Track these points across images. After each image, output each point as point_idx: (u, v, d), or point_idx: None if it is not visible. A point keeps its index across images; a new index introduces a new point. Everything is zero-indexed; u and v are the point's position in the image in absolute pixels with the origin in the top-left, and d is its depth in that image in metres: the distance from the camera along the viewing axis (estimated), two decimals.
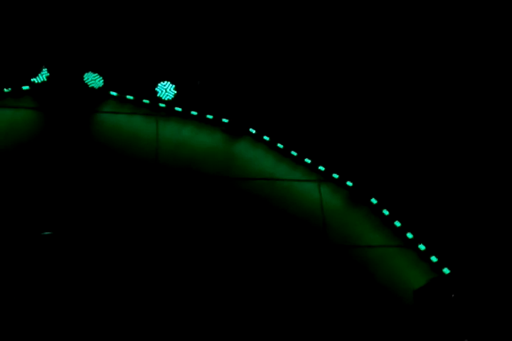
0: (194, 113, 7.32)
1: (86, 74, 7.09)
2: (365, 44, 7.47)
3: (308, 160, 7.45)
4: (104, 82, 7.13)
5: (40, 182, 6.69)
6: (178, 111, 7.30)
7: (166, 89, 7.23)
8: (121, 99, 7.23)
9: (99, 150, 7.00)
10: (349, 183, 7.47)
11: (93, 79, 7.09)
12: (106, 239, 6.62)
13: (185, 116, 7.33)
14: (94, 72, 7.11)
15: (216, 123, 7.38)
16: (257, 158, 7.42)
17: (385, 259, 7.34)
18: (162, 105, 7.27)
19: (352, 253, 7.29)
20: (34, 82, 6.99)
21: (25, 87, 6.99)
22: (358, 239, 7.38)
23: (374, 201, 7.45)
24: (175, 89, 7.26)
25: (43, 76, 6.98)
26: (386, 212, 7.43)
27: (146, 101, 7.26)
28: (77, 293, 6.32)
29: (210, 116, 7.34)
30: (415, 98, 7.67)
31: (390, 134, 7.68)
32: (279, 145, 7.43)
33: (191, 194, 7.07)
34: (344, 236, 7.35)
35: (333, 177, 7.47)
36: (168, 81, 7.25)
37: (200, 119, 7.35)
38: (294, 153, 7.44)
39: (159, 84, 7.24)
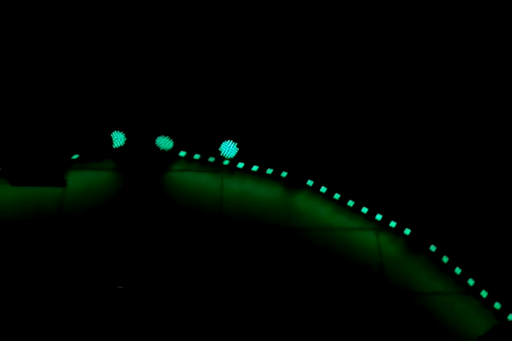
0: (255, 168, 7.92)
1: (158, 138, 7.95)
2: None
3: (365, 210, 7.74)
4: (173, 144, 7.96)
5: (116, 239, 7.49)
6: (240, 167, 7.94)
7: (229, 148, 7.92)
8: (188, 159, 8.01)
9: (169, 206, 7.75)
10: (407, 231, 7.63)
11: (164, 142, 7.94)
12: (177, 293, 7.24)
13: (246, 171, 7.95)
14: (165, 135, 7.96)
15: (275, 177, 7.93)
16: (316, 208, 7.83)
17: (446, 306, 7.33)
18: (226, 162, 7.96)
19: (413, 300, 7.37)
20: (114, 147, 7.93)
21: (107, 151, 7.95)
22: (418, 286, 7.45)
23: (433, 248, 7.53)
24: (237, 147, 7.93)
25: (121, 141, 7.93)
26: (445, 259, 7.47)
27: (211, 159, 7.98)
28: None
29: (269, 171, 7.91)
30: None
31: (445, 183, 7.81)
32: (336, 196, 7.80)
33: (253, 244, 7.57)
34: (404, 283, 7.47)
35: (391, 226, 7.67)
36: (230, 140, 7.94)
37: (261, 174, 7.94)
38: (350, 203, 7.77)
39: (223, 144, 7.94)
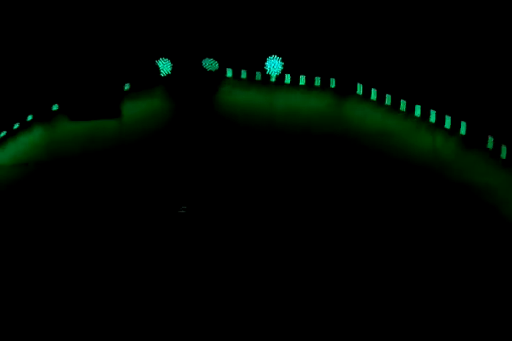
0: (302, 80, 7.91)
1: (204, 60, 8.05)
2: None
3: (418, 111, 7.60)
4: (219, 65, 8.04)
5: (175, 163, 7.75)
6: (287, 82, 7.95)
7: (275, 64, 7.92)
8: (236, 78, 8.09)
9: (221, 124, 7.91)
10: (463, 128, 7.46)
11: (210, 64, 8.04)
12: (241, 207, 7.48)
13: (294, 84, 7.96)
14: (210, 57, 8.05)
15: (324, 87, 7.90)
16: (367, 114, 7.77)
17: (504, 199, 7.18)
18: (273, 77, 7.98)
19: (472, 195, 7.24)
20: (162, 75, 8.10)
21: (156, 79, 8.14)
22: (477, 182, 7.31)
23: (490, 144, 7.33)
24: (282, 62, 7.91)
25: (168, 69, 8.09)
26: (504, 153, 7.28)
27: (258, 76, 8.02)
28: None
29: (317, 82, 7.88)
30: None
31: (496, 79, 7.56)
32: (387, 100, 7.70)
33: (308, 155, 7.63)
34: (463, 180, 7.35)
35: (446, 124, 7.52)
36: (275, 55, 7.93)
37: (309, 85, 7.92)
38: (402, 107, 7.65)
39: (268, 60, 7.94)
